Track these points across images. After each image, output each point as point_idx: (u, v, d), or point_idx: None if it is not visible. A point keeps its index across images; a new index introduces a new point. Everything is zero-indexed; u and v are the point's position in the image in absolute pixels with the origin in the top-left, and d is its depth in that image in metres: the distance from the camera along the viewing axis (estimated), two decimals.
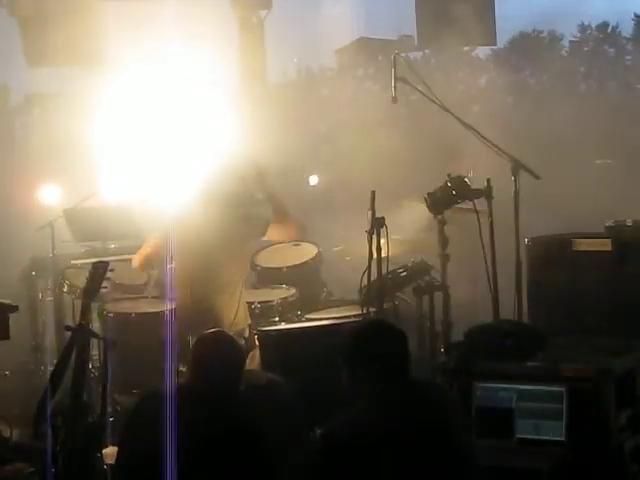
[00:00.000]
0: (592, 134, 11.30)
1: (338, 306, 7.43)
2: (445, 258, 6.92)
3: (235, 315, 6.86)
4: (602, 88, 14.75)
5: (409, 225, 7.88)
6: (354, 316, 6.65)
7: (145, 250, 7.25)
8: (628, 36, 15.23)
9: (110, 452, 5.28)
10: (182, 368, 5.44)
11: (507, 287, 6.55)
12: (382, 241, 6.37)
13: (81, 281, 6.40)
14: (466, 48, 14.32)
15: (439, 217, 6.87)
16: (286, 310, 7.45)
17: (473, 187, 6.69)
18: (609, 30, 15.50)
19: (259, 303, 7.43)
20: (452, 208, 6.84)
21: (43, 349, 8.53)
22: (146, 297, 7.74)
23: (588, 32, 15.44)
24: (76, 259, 8.49)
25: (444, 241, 6.91)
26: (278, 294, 7.60)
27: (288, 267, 8.16)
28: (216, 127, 9.09)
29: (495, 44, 13.48)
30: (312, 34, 12.45)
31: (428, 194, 6.79)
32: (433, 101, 7.03)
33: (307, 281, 8.17)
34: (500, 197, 6.62)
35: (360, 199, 6.63)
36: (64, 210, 8.46)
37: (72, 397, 5.57)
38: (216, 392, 4.47)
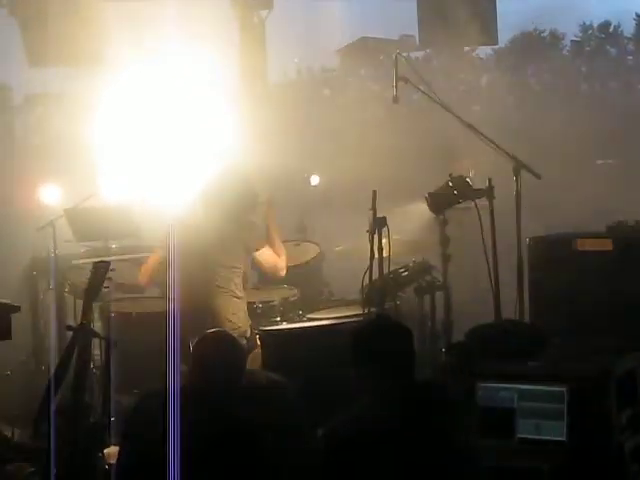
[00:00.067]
0: (593, 134, 11.29)
1: (339, 306, 7.43)
2: (446, 258, 6.93)
3: (236, 315, 6.87)
4: (604, 88, 14.75)
5: (410, 225, 7.88)
6: (355, 316, 6.65)
7: (150, 265, 7.25)
8: (630, 36, 15.21)
9: (112, 452, 5.28)
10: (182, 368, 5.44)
11: (508, 287, 6.54)
12: (383, 241, 6.37)
13: (82, 281, 6.40)
14: (467, 48, 14.31)
15: (440, 217, 6.88)
16: (287, 310, 7.45)
17: (474, 187, 6.70)
18: (611, 30, 15.49)
19: (260, 303, 7.43)
20: (453, 208, 6.84)
21: (44, 349, 8.53)
22: (147, 297, 7.75)
23: (590, 32, 15.43)
24: (77, 259, 8.49)
25: (445, 241, 6.91)
26: (279, 294, 7.60)
27: (289, 267, 8.15)
28: (216, 127, 9.10)
29: (496, 44, 13.47)
30: (313, 34, 12.44)
31: (429, 194, 6.79)
32: (434, 101, 7.03)
33: (308, 281, 8.17)
34: (501, 197, 6.62)
35: (361, 199, 6.63)
36: (65, 210, 8.45)
37: (73, 397, 5.57)
38: (217, 392, 4.47)
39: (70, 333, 5.88)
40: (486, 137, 6.79)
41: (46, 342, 8.44)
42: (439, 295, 7.29)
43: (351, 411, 4.17)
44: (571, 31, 15.20)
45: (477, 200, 6.66)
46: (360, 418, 4.13)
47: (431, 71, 13.24)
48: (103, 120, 9.68)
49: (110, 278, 5.98)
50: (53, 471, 5.20)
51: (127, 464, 4.50)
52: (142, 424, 4.48)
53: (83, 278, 6.33)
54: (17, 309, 6.64)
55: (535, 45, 15.18)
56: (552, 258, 6.34)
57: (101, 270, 5.82)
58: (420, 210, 7.18)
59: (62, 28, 10.37)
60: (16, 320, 6.64)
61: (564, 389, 5.07)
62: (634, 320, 5.87)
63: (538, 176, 6.64)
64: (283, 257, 7.13)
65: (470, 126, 6.88)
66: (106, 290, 6.10)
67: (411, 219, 7.84)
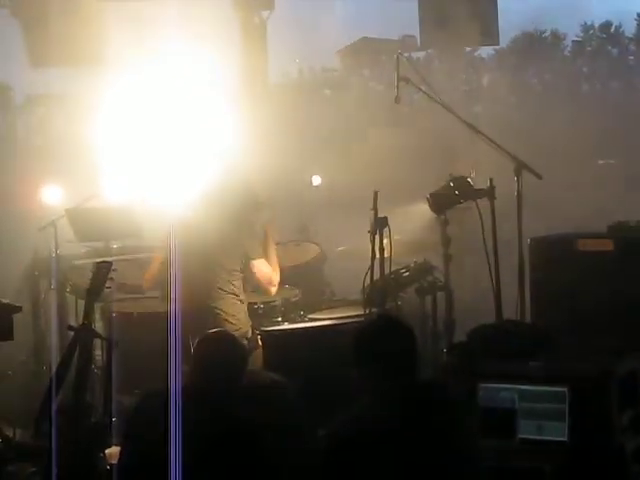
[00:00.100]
0: (595, 134, 11.30)
1: (341, 306, 7.43)
2: (447, 258, 6.93)
3: (236, 317, 6.87)
4: (605, 88, 14.74)
5: (412, 225, 7.88)
6: (357, 316, 6.65)
7: (153, 271, 7.26)
8: (631, 36, 15.21)
9: (114, 452, 5.28)
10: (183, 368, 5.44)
11: (509, 287, 6.54)
12: (385, 241, 6.37)
13: (84, 281, 6.40)
14: (468, 48, 14.31)
15: (442, 217, 6.88)
16: (289, 310, 7.44)
17: (475, 187, 6.70)
18: (612, 30, 15.48)
19: (262, 303, 7.43)
20: (455, 208, 6.84)
21: (45, 349, 8.52)
22: (148, 297, 7.74)
23: (591, 32, 15.43)
24: (79, 259, 8.49)
25: (446, 241, 6.92)
26: (281, 294, 7.60)
27: (290, 267, 8.15)
28: (218, 127, 9.09)
29: (498, 44, 13.48)
30: (314, 34, 12.43)
31: (430, 194, 6.79)
32: (436, 101, 7.03)
33: (310, 281, 8.17)
34: (502, 197, 6.62)
35: (363, 199, 6.63)
36: (66, 210, 8.45)
37: (75, 397, 5.58)
38: (218, 392, 4.47)
39: (71, 333, 5.89)
40: (487, 137, 6.79)
41: (47, 342, 8.43)
42: (440, 295, 7.29)
43: (352, 411, 4.17)
44: (572, 31, 15.22)
45: (478, 200, 6.66)
46: (361, 418, 4.13)
47: (432, 71, 13.25)
48: (105, 121, 9.68)
49: (112, 278, 5.98)
50: (54, 471, 5.20)
51: (128, 464, 4.50)
52: (143, 424, 4.48)
53: (85, 278, 6.34)
54: (19, 309, 6.65)
55: (536, 45, 15.17)
56: (553, 258, 6.33)
57: (103, 270, 5.83)
58: (421, 210, 7.18)
59: (64, 29, 10.38)
60: (17, 320, 6.65)
61: (565, 389, 5.07)
62: (635, 320, 5.87)
63: (539, 176, 6.64)
64: (277, 273, 7.09)
65: (471, 126, 6.88)
66: (108, 290, 6.09)
67: (412, 219, 7.85)
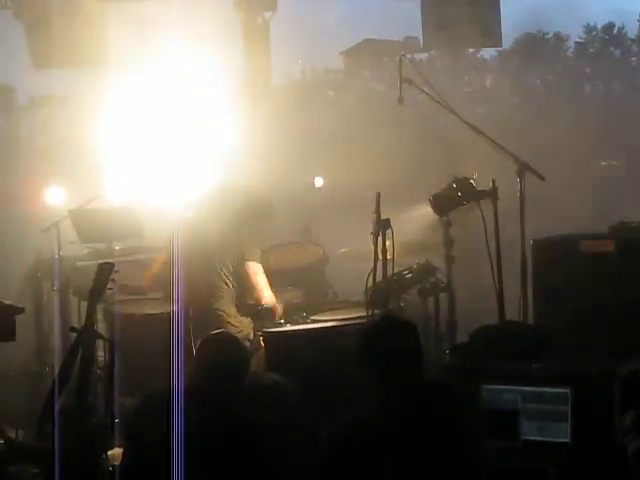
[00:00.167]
0: (597, 135, 11.29)
1: (343, 308, 7.43)
2: (450, 259, 6.93)
3: (238, 319, 6.88)
4: (607, 89, 14.73)
5: (414, 227, 7.88)
6: (359, 318, 6.65)
7: (153, 269, 7.27)
8: (634, 37, 15.18)
9: (117, 453, 5.29)
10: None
11: (512, 288, 6.54)
12: (387, 243, 6.37)
13: (86, 282, 6.41)
14: (471, 50, 14.31)
15: (444, 218, 6.87)
16: (291, 312, 7.44)
17: (478, 188, 6.69)
18: (615, 31, 15.46)
19: (264, 304, 7.42)
20: (457, 209, 6.83)
21: (48, 350, 8.52)
22: (151, 298, 7.75)
23: (594, 33, 15.41)
24: (81, 260, 8.50)
25: (449, 242, 6.92)
26: (283, 296, 7.59)
27: (293, 269, 8.16)
28: (221, 129, 9.10)
29: (500, 46, 13.47)
30: (317, 35, 12.44)
31: (433, 195, 6.79)
32: (439, 102, 7.03)
33: (312, 283, 8.17)
34: (505, 198, 6.62)
35: (365, 201, 6.63)
36: (69, 211, 8.46)
37: (77, 398, 5.58)
38: (220, 392, 4.47)
39: (74, 334, 5.89)
40: (490, 138, 6.79)
41: (50, 343, 8.43)
42: (443, 297, 7.29)
43: (354, 412, 4.17)
44: (575, 33, 15.18)
45: (481, 202, 6.65)
46: (363, 419, 4.13)
47: (435, 73, 13.24)
48: (108, 122, 9.69)
49: (114, 279, 5.99)
50: (57, 472, 5.20)
51: (130, 465, 4.50)
52: (144, 425, 4.48)
53: (87, 279, 6.34)
54: (21, 310, 6.65)
55: (539, 47, 15.15)
56: (555, 259, 6.33)
57: (105, 271, 5.84)
58: (424, 212, 7.18)
59: (66, 30, 10.39)
60: (20, 321, 6.65)
61: (568, 391, 5.06)
62: (637, 321, 5.86)
63: (542, 177, 6.63)
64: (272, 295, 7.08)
65: (474, 127, 6.88)
66: (110, 292, 6.10)
67: (415, 221, 7.84)
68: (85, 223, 8.44)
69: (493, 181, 6.63)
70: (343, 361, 4.42)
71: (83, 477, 5.41)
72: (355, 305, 7.26)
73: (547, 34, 15.30)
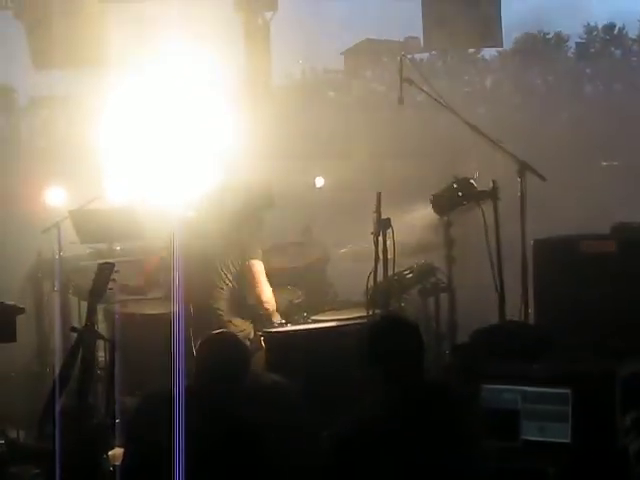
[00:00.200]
0: (598, 135, 11.29)
1: (344, 308, 7.43)
2: (451, 259, 6.93)
3: (239, 319, 6.88)
4: (608, 90, 14.73)
5: (415, 227, 7.87)
6: (360, 318, 6.65)
7: (145, 270, 7.27)
8: (634, 37, 15.18)
9: (118, 454, 5.28)
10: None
11: (513, 288, 6.54)
12: (388, 243, 6.37)
13: (87, 282, 6.41)
14: (472, 50, 14.32)
15: (445, 218, 6.87)
16: (292, 312, 7.44)
17: (479, 188, 6.69)
18: (615, 31, 15.46)
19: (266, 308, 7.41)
20: (458, 209, 6.83)
21: (49, 350, 8.53)
22: (151, 298, 7.75)
23: (594, 33, 15.41)
24: (82, 261, 8.50)
25: (450, 242, 6.92)
26: (284, 296, 7.60)
27: (293, 268, 8.16)
28: (221, 129, 9.10)
29: (501, 46, 13.47)
30: (317, 35, 12.44)
31: (434, 195, 6.79)
32: (439, 102, 7.03)
33: (313, 283, 8.17)
34: (506, 198, 6.62)
35: (366, 201, 6.63)
36: (70, 211, 8.46)
37: (78, 398, 5.58)
38: (220, 392, 4.47)
39: (74, 335, 5.89)
40: (491, 139, 6.79)
41: (50, 344, 8.43)
42: (443, 297, 7.29)
43: (355, 412, 4.17)
44: (576, 33, 15.19)
45: (482, 202, 6.65)
46: (364, 419, 4.13)
47: (436, 73, 13.24)
48: (108, 122, 9.69)
49: (114, 280, 5.99)
50: (58, 473, 5.20)
51: (131, 465, 4.50)
52: (144, 425, 4.48)
53: (87, 280, 6.34)
54: (22, 311, 6.66)
55: (540, 47, 15.16)
56: (557, 259, 6.33)
57: (105, 272, 5.84)
58: (424, 212, 7.18)
59: (66, 30, 10.39)
60: (21, 322, 6.66)
61: (568, 391, 5.06)
62: (638, 321, 5.86)
63: (543, 178, 6.63)
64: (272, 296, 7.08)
65: (474, 127, 6.88)
66: (110, 292, 6.10)
67: (415, 221, 7.84)
68: (85, 223, 8.44)
69: (494, 181, 6.63)
70: (344, 361, 4.42)
71: (84, 477, 5.40)
72: (356, 305, 7.25)
73: (548, 34, 15.30)
